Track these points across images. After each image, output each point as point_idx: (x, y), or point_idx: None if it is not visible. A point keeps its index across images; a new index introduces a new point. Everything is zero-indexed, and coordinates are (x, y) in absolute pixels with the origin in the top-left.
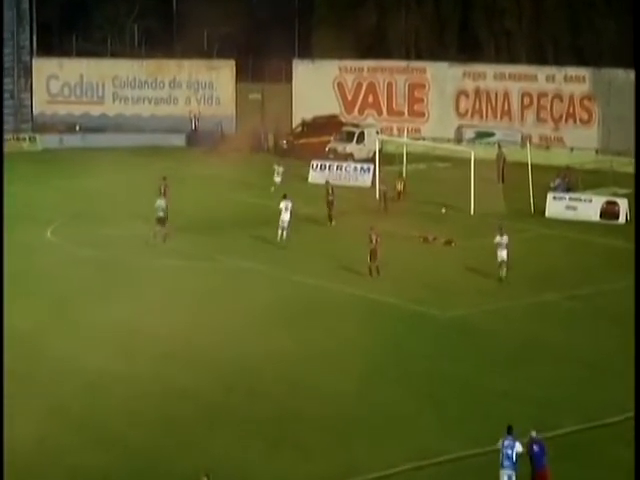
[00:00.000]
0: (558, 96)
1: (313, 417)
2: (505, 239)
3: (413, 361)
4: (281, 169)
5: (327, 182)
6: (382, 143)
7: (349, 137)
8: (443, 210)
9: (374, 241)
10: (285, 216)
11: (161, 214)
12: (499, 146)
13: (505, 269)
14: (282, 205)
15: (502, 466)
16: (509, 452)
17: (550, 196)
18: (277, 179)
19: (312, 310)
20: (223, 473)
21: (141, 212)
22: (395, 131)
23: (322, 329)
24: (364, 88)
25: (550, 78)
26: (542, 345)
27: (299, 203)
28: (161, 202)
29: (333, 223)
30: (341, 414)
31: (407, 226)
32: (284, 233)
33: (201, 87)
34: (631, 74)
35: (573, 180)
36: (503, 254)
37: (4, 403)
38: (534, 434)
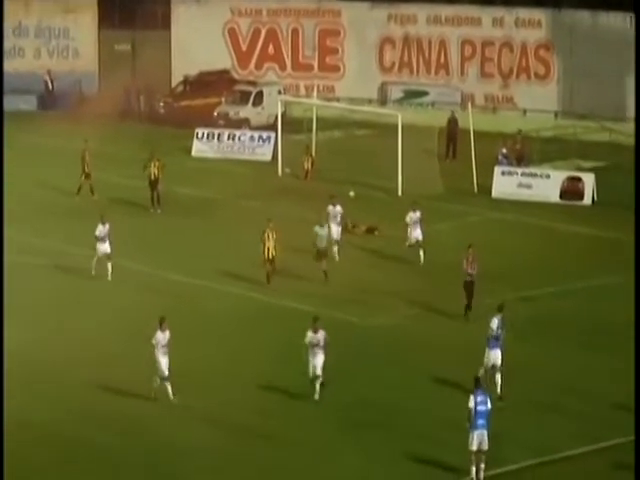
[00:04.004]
0: (507, 45)
1: (193, 449)
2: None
3: (331, 383)
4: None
5: (151, 154)
6: (285, 105)
7: (244, 98)
8: (352, 193)
9: (271, 238)
10: (413, 232)
11: (323, 245)
12: (452, 112)
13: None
14: (408, 219)
15: (475, 427)
16: (482, 409)
17: (498, 171)
18: None
19: (200, 316)
20: None
21: None
22: (302, 90)
23: (212, 341)
24: (263, 36)
25: (497, 22)
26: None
27: (178, 183)
28: (322, 231)
29: (159, 211)
30: (235, 449)
31: (318, 212)
32: (420, 253)
33: (54, 36)
34: (600, 17)
35: (526, 150)
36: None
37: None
38: None
